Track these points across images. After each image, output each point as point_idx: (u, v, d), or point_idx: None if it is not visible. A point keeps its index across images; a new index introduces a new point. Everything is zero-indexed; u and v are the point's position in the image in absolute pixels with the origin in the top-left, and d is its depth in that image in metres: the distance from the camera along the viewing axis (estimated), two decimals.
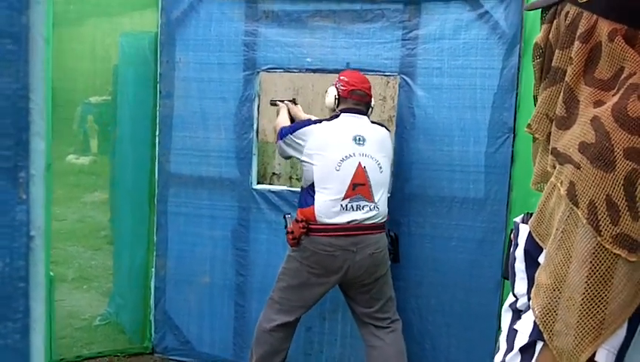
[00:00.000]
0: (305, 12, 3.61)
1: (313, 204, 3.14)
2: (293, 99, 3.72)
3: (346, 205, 3.13)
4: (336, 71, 3.47)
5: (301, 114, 3.60)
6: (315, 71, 3.70)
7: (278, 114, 3.59)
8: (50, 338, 3.82)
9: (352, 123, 3.25)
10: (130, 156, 4.09)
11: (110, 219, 4.80)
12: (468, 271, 3.47)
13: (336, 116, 3.28)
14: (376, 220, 3.19)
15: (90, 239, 5.26)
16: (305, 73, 3.84)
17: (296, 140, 3.23)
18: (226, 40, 3.76)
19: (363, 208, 3.15)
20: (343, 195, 3.12)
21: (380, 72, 3.57)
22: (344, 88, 3.29)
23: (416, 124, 3.49)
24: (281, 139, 3.31)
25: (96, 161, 4.80)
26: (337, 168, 3.14)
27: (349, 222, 3.12)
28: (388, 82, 5.61)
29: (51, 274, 3.78)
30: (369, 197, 3.17)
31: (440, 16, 3.41)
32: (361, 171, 3.17)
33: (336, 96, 3.31)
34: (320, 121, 3.28)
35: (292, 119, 3.54)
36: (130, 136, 4.08)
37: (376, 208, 3.18)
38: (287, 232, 3.19)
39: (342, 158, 3.15)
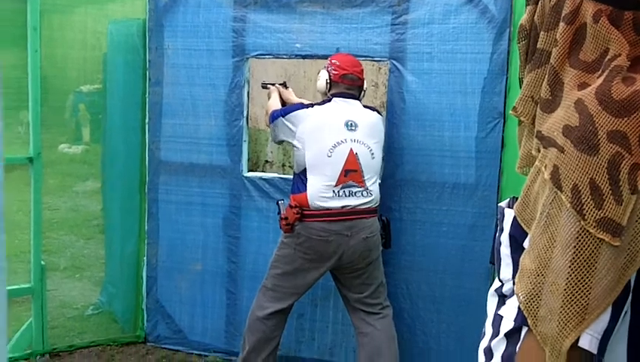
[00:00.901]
0: None
1: (306, 190, 3.14)
2: (284, 82, 3.70)
3: (339, 191, 3.12)
4: (326, 56, 3.44)
5: (292, 97, 3.58)
6: (304, 57, 3.68)
7: (269, 97, 3.57)
8: (43, 327, 3.82)
9: (344, 108, 3.23)
10: (121, 144, 4.08)
11: (102, 208, 4.78)
12: (459, 257, 3.48)
13: (328, 100, 3.27)
14: (369, 205, 3.19)
15: (83, 228, 5.23)
16: (295, 59, 3.82)
17: (288, 124, 3.22)
18: (214, 26, 3.74)
19: (355, 194, 3.15)
20: (335, 182, 3.12)
21: (370, 57, 3.55)
22: (336, 72, 3.27)
23: (407, 109, 3.48)
24: (273, 122, 3.29)
25: (88, 150, 4.77)
26: (329, 154, 3.13)
27: (342, 207, 3.12)
28: (380, 68, 5.59)
29: (42, 263, 3.77)
30: (361, 183, 3.16)
31: (429, 1, 3.39)
32: (352, 158, 3.16)
33: (328, 80, 3.29)
34: (312, 105, 3.27)
35: (283, 103, 3.52)
36: (121, 124, 4.06)
37: (369, 194, 3.18)
38: (281, 218, 3.18)
39: (334, 145, 3.14)
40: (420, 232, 3.53)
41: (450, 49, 3.38)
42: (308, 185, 3.14)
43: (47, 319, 3.86)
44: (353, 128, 3.18)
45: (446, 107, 3.42)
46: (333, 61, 3.31)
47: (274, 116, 3.29)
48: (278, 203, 3.27)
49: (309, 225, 3.13)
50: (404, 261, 3.56)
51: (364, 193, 3.17)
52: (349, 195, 3.14)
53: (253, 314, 3.29)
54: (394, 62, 3.48)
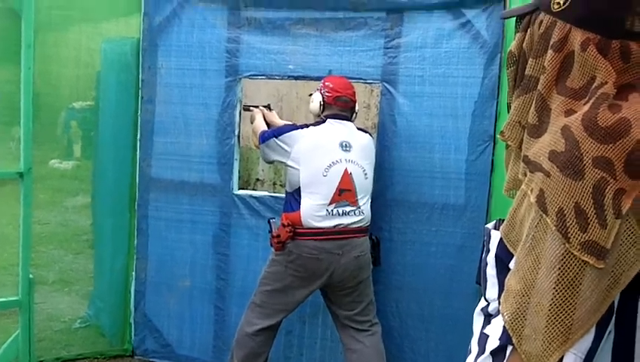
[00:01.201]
0: (288, 19, 3.63)
1: (299, 208, 3.15)
2: (268, 104, 3.73)
3: (332, 210, 3.14)
4: (319, 78, 3.48)
5: (276, 120, 3.62)
6: (297, 78, 3.72)
7: (252, 119, 3.60)
8: (30, 339, 3.80)
9: (338, 129, 3.26)
10: (112, 161, 4.09)
11: (92, 223, 4.78)
12: (448, 276, 3.50)
13: (323, 121, 3.29)
14: (361, 224, 3.21)
15: (72, 243, 5.23)
16: (287, 80, 3.86)
17: (281, 144, 3.23)
18: (208, 46, 3.77)
19: (349, 213, 3.17)
20: (329, 200, 3.14)
21: (362, 79, 3.59)
22: (329, 95, 3.30)
23: (398, 131, 3.51)
24: (264, 142, 3.30)
25: (79, 166, 4.77)
26: (325, 174, 3.15)
27: (335, 226, 3.14)
28: (372, 90, 5.64)
29: (31, 276, 3.76)
30: (354, 203, 3.18)
31: (422, 25, 3.43)
32: (347, 177, 3.18)
33: (322, 102, 3.32)
34: (307, 126, 3.29)
35: (267, 125, 3.55)
36: (112, 140, 4.07)
37: (361, 213, 3.21)
38: (273, 236, 3.19)
39: (329, 164, 3.16)
40: (410, 252, 3.55)
41: (441, 73, 3.42)
42: (302, 203, 3.15)
43: (34, 331, 3.83)
44: (348, 149, 3.21)
45: (437, 129, 3.45)
46: (326, 83, 3.34)
47: (265, 137, 3.30)
48: (269, 221, 3.28)
49: (301, 243, 3.14)
50: (394, 280, 3.58)
51: (357, 212, 3.19)
52: (342, 214, 3.16)
53: (242, 329, 3.29)
54: (386, 84, 3.52)
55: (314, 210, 3.13)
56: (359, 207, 3.20)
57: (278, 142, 3.24)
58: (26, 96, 3.58)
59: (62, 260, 5.09)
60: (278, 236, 3.16)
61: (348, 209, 3.17)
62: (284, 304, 3.25)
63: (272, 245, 3.23)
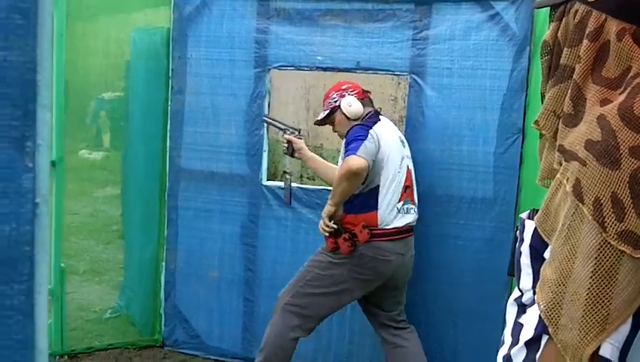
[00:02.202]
0: (316, 10, 3.63)
1: (376, 208, 3.05)
2: (299, 130, 3.61)
3: (401, 208, 3.09)
4: (347, 70, 3.50)
5: (306, 151, 3.50)
6: (325, 69, 3.73)
7: (305, 157, 3.50)
8: (62, 329, 3.86)
9: (391, 124, 3.21)
10: (142, 151, 4.13)
11: (121, 213, 4.84)
12: (476, 271, 3.48)
13: (377, 118, 3.17)
14: (415, 222, 3.20)
15: (102, 233, 5.30)
16: (315, 71, 3.87)
17: (371, 146, 2.99)
18: (237, 37, 3.79)
19: (410, 211, 3.14)
20: (398, 198, 3.08)
21: (390, 71, 3.59)
22: (356, 92, 3.23)
23: (426, 123, 3.51)
24: (356, 152, 2.95)
25: (108, 156, 4.84)
26: (399, 170, 3.10)
27: (404, 225, 3.10)
28: (399, 83, 5.62)
29: (62, 266, 3.81)
30: (413, 200, 3.17)
31: (451, 17, 3.42)
32: (409, 174, 3.17)
33: (359, 102, 3.20)
34: (374, 123, 3.11)
35: (293, 151, 3.48)
36: (142, 131, 4.11)
37: (416, 211, 3.19)
38: (344, 239, 3.04)
39: (400, 160, 3.12)
40: (438, 246, 3.53)
41: (470, 65, 3.41)
42: (379, 202, 3.05)
43: (66, 321, 3.90)
44: (404, 144, 3.19)
45: (465, 122, 3.44)
46: (343, 88, 3.25)
47: (354, 147, 2.95)
48: (337, 223, 3.08)
49: (375, 244, 3.03)
50: (422, 274, 3.55)
51: (415, 210, 3.17)
52: (407, 212, 3.12)
53: (282, 334, 3.14)
54: (414, 76, 3.51)
55: (390, 209, 3.06)
56: (416, 204, 3.19)
57: (368, 144, 2.98)
58: (57, 85, 3.63)
59: (92, 250, 5.16)
60: (351, 238, 3.02)
61: (409, 206, 3.13)
62: (335, 306, 3.18)
63: (334, 249, 3.08)
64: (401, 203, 3.09)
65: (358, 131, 3.04)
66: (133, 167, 4.22)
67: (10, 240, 0.84)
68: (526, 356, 1.19)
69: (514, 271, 1.33)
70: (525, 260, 1.26)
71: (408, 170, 3.17)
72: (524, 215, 1.34)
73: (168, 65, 3.97)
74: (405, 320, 3.32)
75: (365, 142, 2.97)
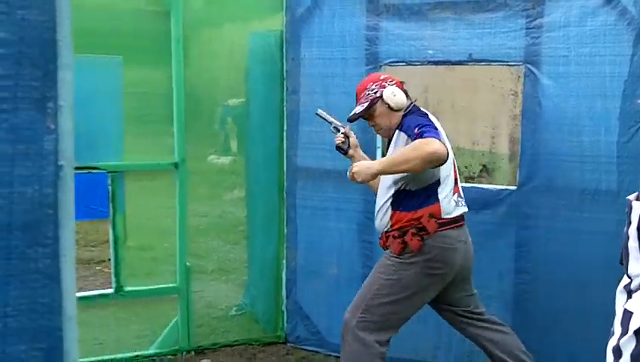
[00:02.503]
0: (425, 4, 3.63)
1: (438, 200, 2.99)
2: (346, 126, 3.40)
3: (456, 200, 3.05)
4: (459, 63, 3.47)
5: (360, 150, 3.37)
6: (437, 63, 3.71)
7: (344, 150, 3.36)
8: (188, 326, 4.07)
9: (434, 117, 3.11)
10: (261, 152, 4.28)
11: (246, 214, 5.02)
12: (601, 266, 3.31)
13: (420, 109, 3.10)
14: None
15: (229, 234, 5.50)
16: (427, 66, 3.85)
17: (442, 133, 2.95)
18: (348, 35, 3.85)
19: (461, 203, 3.08)
20: (453, 191, 3.04)
21: (504, 61, 3.53)
22: (395, 82, 3.09)
23: (543, 114, 3.42)
24: (439, 137, 2.82)
25: (235, 161, 5.02)
26: (453, 162, 3.06)
27: (462, 214, 3.06)
28: (519, 77, 5.46)
29: (188, 264, 4.02)
30: (461, 193, 3.11)
31: (565, 3, 3.32)
32: (455, 165, 3.10)
33: (402, 92, 3.07)
34: (425, 114, 3.06)
35: (348, 147, 3.32)
36: (261, 132, 4.27)
37: (464, 203, 3.11)
38: (413, 234, 2.95)
39: (451, 153, 3.04)
40: (559, 241, 3.42)
41: (587, 52, 3.28)
42: (440, 194, 2.99)
43: (192, 318, 4.09)
44: (447, 137, 3.05)
45: (585, 111, 3.32)
46: (381, 78, 3.13)
47: (431, 133, 2.80)
48: (404, 227, 3.01)
49: (442, 233, 2.97)
50: (543, 271, 3.47)
51: (464, 202, 3.10)
52: (461, 204, 3.07)
53: (368, 353, 3.01)
54: (529, 66, 3.43)
55: (448, 199, 3.00)
56: (463, 197, 3.11)
57: (437, 132, 2.86)
58: (177, 89, 3.82)
59: (219, 250, 5.38)
60: (418, 232, 2.95)
61: (460, 199, 3.08)
62: (411, 310, 3.08)
63: (402, 249, 2.99)
64: (456, 195, 3.04)
65: (419, 120, 2.90)
66: (255, 168, 4.39)
67: (33, 202, 0.83)
68: (636, 345, 1.16)
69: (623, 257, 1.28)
70: (633, 243, 1.22)
71: (455, 162, 3.09)
72: (631, 196, 1.29)
73: (282, 67, 4.10)
74: (484, 312, 3.18)
75: (439, 130, 2.88)
